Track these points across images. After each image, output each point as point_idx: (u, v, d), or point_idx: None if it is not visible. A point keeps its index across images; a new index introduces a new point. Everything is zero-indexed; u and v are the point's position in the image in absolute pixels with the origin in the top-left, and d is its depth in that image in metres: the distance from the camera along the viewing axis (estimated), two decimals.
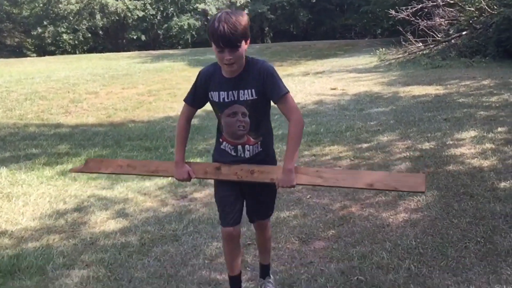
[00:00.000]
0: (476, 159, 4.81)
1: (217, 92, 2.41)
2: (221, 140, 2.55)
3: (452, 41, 14.40)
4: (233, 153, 2.51)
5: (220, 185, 2.58)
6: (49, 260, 3.38)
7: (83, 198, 4.64)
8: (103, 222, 4.05)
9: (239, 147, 2.49)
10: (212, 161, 2.66)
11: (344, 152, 5.53)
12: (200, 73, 2.48)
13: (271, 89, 2.35)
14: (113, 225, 3.99)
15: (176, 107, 9.41)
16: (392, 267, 2.95)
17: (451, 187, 4.16)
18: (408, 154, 5.19)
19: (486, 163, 4.66)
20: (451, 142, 5.44)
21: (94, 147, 6.65)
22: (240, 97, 2.37)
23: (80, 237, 3.78)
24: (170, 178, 5.04)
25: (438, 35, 14.75)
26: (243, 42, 2.26)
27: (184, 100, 2.55)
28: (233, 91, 2.38)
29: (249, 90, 2.36)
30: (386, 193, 4.18)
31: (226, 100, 2.39)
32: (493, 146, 5.13)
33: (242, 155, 2.50)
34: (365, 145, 5.73)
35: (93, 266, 3.27)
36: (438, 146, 5.36)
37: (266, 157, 2.55)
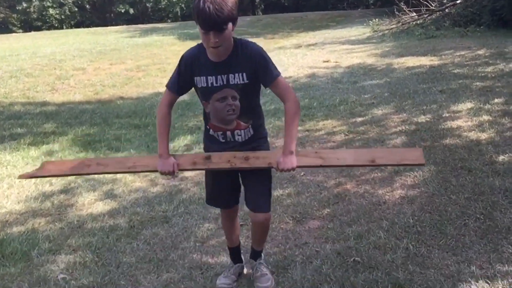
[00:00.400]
0: (473, 132, 4.69)
1: (204, 77, 2.25)
2: (208, 127, 2.41)
3: (446, 10, 14.15)
4: (221, 139, 2.39)
5: (211, 173, 2.46)
6: (34, 245, 3.26)
7: (70, 179, 4.48)
8: (90, 204, 3.92)
9: (228, 133, 2.36)
10: (203, 148, 2.52)
11: (338, 126, 5.40)
12: (183, 57, 2.31)
13: (263, 74, 2.24)
14: (101, 207, 3.86)
15: (166, 83, 9.20)
16: (389, 247, 2.85)
17: (448, 161, 4.05)
18: (403, 127, 5.06)
19: (483, 136, 4.54)
20: (447, 115, 5.32)
21: (81, 125, 6.47)
22: (230, 81, 2.24)
23: (66, 220, 3.66)
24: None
25: (432, 4, 14.49)
26: (230, 24, 2.08)
27: (167, 87, 2.37)
28: (222, 75, 2.23)
29: (240, 74, 2.22)
30: (381, 169, 4.06)
31: (215, 84, 2.25)
32: (490, 118, 5.02)
33: (232, 140, 2.37)
34: (359, 119, 5.60)
35: (79, 251, 3.16)
36: (434, 119, 5.24)
37: (259, 139, 2.42)
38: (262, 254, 2.75)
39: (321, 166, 2.37)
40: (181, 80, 2.31)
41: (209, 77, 2.24)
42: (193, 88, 2.35)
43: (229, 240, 2.74)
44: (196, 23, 2.09)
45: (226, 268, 2.76)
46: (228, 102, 2.27)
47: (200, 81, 2.26)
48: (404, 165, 2.57)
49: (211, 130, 2.40)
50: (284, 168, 2.24)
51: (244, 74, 2.22)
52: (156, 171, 2.41)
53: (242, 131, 2.36)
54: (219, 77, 2.23)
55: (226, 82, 2.23)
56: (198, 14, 2.03)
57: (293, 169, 2.25)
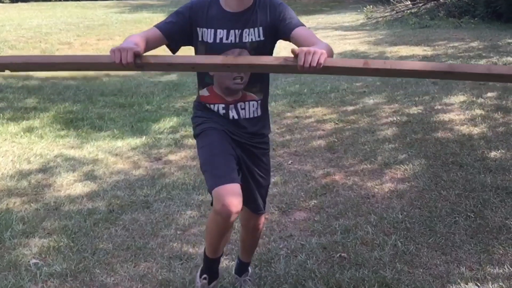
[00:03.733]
0: (465, 126, 4.61)
1: (212, 30, 1.89)
2: (203, 101, 2.03)
3: (441, 0, 14.01)
4: (222, 113, 2.01)
5: (209, 142, 1.97)
6: (8, 226, 3.11)
7: (49, 157, 4.32)
8: (69, 185, 3.77)
9: (231, 106, 1.99)
10: (193, 123, 2.10)
11: (328, 114, 5.28)
12: (189, 2, 1.94)
13: (283, 23, 1.90)
14: (79, 188, 3.71)
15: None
16: (377, 243, 2.76)
17: (439, 155, 3.96)
18: (394, 118, 4.96)
19: (475, 131, 4.46)
20: (439, 107, 5.23)
21: (64, 101, 6.26)
22: (244, 38, 1.90)
23: (43, 201, 3.51)
24: (144, 137, 4.76)
25: None
26: None
27: (156, 25, 1.94)
28: (235, 30, 1.89)
29: (256, 29, 1.90)
30: (371, 160, 3.97)
31: (224, 40, 1.90)
32: (483, 112, 4.93)
33: (236, 118, 2.00)
34: (350, 108, 5.48)
35: (54, 235, 3.02)
36: (426, 111, 5.14)
37: (264, 127, 2.09)
38: (250, 268, 2.47)
39: (365, 68, 1.69)
40: (178, 23, 1.91)
41: (218, 31, 1.89)
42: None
43: (214, 250, 2.09)
44: None
45: None
46: None
47: (206, 34, 1.91)
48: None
49: (210, 105, 2.02)
50: (310, 60, 1.60)
51: (261, 29, 1.91)
52: (108, 65, 1.81)
53: (248, 103, 2.01)
54: (231, 32, 1.90)
55: (239, 40, 1.90)
56: None
57: (320, 65, 1.61)
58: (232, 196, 1.82)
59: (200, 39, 1.93)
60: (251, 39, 1.92)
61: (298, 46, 1.78)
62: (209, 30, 1.91)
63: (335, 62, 1.69)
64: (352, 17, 15.84)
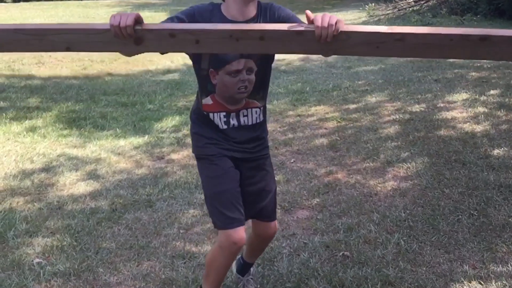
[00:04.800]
0: (468, 123, 4.59)
1: None
2: (204, 111, 1.96)
3: None
4: (223, 124, 1.96)
5: (217, 175, 1.95)
6: (11, 226, 3.12)
7: (52, 157, 4.33)
8: (72, 185, 3.77)
9: (233, 114, 1.95)
10: (194, 139, 2.06)
11: (331, 113, 5.27)
12: (193, 7, 1.84)
13: (284, 20, 1.83)
14: (82, 187, 3.72)
15: (156, 60, 8.97)
16: (380, 241, 2.76)
17: (442, 153, 3.95)
18: (397, 116, 4.95)
19: (478, 128, 4.45)
20: (442, 105, 5.21)
21: (67, 101, 6.26)
22: None
23: (46, 200, 3.51)
24: (146, 136, 4.76)
25: None
26: None
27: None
28: None
29: None
30: (374, 158, 3.96)
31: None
32: (486, 110, 4.92)
33: (237, 126, 1.96)
34: (352, 106, 5.47)
35: (58, 234, 3.03)
36: (429, 108, 5.13)
37: (264, 130, 2.06)
38: (252, 268, 2.44)
39: (390, 33, 1.56)
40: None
41: None
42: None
43: (221, 279, 2.11)
44: None
45: None
46: (241, 77, 1.87)
47: None
48: None
49: (211, 114, 1.96)
50: (327, 21, 1.52)
51: None
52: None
53: (250, 110, 1.96)
54: None
55: None
56: None
57: (337, 27, 1.52)
58: (242, 234, 1.93)
59: None
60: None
61: None
62: None
63: (353, 27, 1.59)
64: (354, 15, 15.79)
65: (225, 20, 1.82)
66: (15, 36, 1.66)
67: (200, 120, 2.01)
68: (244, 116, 1.97)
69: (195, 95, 2.09)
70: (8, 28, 1.67)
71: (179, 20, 1.81)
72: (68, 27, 1.66)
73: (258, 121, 2.01)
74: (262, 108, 2.01)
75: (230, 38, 1.57)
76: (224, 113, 1.95)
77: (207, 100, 1.96)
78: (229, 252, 1.95)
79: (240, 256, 2.41)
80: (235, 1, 1.83)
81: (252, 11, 1.85)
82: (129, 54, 1.75)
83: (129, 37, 1.56)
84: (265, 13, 1.88)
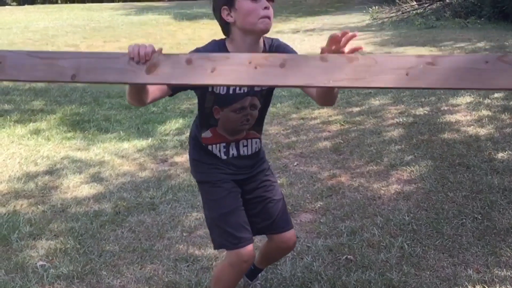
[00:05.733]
0: (472, 127, 4.58)
1: None
2: (204, 143, 1.96)
3: (447, 0, 13.96)
4: (223, 155, 1.96)
5: (221, 196, 1.95)
6: (15, 228, 3.13)
7: (56, 160, 4.34)
8: (76, 187, 3.78)
9: (232, 144, 1.96)
10: (193, 165, 2.05)
11: (334, 116, 5.27)
12: (199, 49, 1.80)
13: None
14: (86, 190, 3.72)
15: None
16: (383, 245, 2.75)
17: (446, 157, 3.94)
18: (401, 120, 4.94)
19: (482, 132, 4.43)
20: (445, 108, 5.20)
21: (71, 104, 6.29)
22: (256, 87, 1.84)
23: (50, 203, 3.52)
24: (150, 139, 4.77)
25: None
26: None
27: None
28: None
29: None
30: (377, 162, 3.96)
31: (238, 91, 1.83)
32: (490, 113, 4.90)
33: (236, 156, 1.97)
34: (356, 109, 5.47)
35: (61, 237, 3.03)
36: (433, 112, 5.12)
37: (260, 151, 2.07)
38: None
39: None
40: None
41: None
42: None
43: None
44: None
45: None
46: (245, 112, 1.88)
47: (219, 86, 1.81)
48: None
49: (209, 146, 1.96)
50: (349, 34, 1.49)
51: None
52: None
53: (250, 140, 1.98)
54: None
55: (251, 88, 1.83)
56: None
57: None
58: (252, 252, 1.94)
59: (210, 89, 1.82)
60: (262, 87, 1.85)
61: (310, 95, 1.81)
62: None
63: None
64: (357, 18, 15.80)
65: None
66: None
67: (199, 147, 2.01)
68: (244, 146, 1.98)
69: (194, 119, 2.07)
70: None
71: None
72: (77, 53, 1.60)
73: (256, 150, 2.02)
74: (260, 138, 2.04)
75: (249, 64, 1.44)
76: (224, 144, 1.96)
77: (207, 134, 1.95)
78: (239, 270, 1.96)
79: None
80: (244, 40, 1.78)
81: (259, 47, 1.83)
82: (137, 97, 1.69)
83: (144, 59, 1.47)
84: (271, 49, 1.87)
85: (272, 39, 1.90)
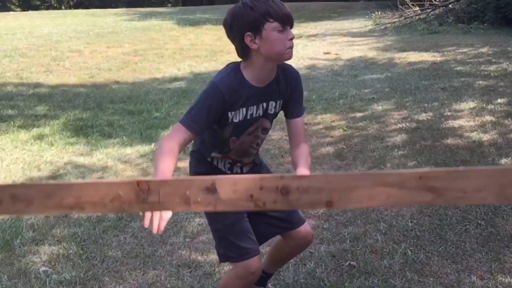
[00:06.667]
0: (475, 132, 4.57)
1: (244, 109, 1.83)
2: (214, 157, 2.00)
3: (450, 5, 13.97)
4: (227, 170, 2.00)
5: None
6: (18, 234, 3.13)
7: (59, 165, 4.35)
8: None
9: (238, 164, 2.00)
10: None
11: (337, 121, 5.27)
12: (217, 89, 1.79)
13: (294, 105, 1.92)
14: None
15: (163, 68, 9.03)
16: (386, 251, 2.74)
17: (449, 162, 3.93)
18: (404, 125, 4.94)
19: (486, 137, 4.42)
20: (449, 114, 5.20)
21: (74, 109, 6.30)
22: (269, 110, 1.88)
23: None
24: (153, 145, 4.78)
25: None
26: None
27: (183, 124, 1.78)
28: (263, 103, 1.86)
29: (279, 102, 1.89)
30: (380, 167, 3.95)
31: (254, 115, 1.87)
32: (493, 119, 4.90)
33: (239, 172, 2.01)
34: (359, 114, 5.47)
35: (64, 242, 3.03)
36: (436, 117, 5.11)
37: (261, 162, 2.16)
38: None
39: None
40: (210, 120, 1.80)
41: (250, 107, 1.84)
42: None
43: None
44: (264, 22, 1.73)
45: None
46: (256, 134, 1.93)
47: (238, 114, 1.84)
48: None
49: (215, 161, 2.00)
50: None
51: (281, 102, 1.90)
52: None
53: (253, 164, 2.06)
54: (260, 105, 1.86)
55: (264, 112, 1.88)
56: (276, 11, 1.74)
57: None
58: (259, 263, 1.96)
59: (229, 121, 1.85)
60: (273, 110, 1.91)
61: (289, 133, 1.95)
62: (241, 109, 1.84)
63: None
64: (360, 23, 15.82)
65: (252, 88, 1.82)
66: None
67: (204, 162, 2.02)
68: (247, 169, 2.03)
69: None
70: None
71: (209, 109, 1.78)
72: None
73: (256, 163, 2.08)
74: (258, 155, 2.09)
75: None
76: (230, 161, 2.00)
77: (216, 155, 1.99)
78: (247, 282, 1.97)
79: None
80: (264, 66, 1.81)
81: (274, 74, 1.88)
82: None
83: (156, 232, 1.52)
84: (284, 76, 1.91)
85: (287, 66, 1.95)
